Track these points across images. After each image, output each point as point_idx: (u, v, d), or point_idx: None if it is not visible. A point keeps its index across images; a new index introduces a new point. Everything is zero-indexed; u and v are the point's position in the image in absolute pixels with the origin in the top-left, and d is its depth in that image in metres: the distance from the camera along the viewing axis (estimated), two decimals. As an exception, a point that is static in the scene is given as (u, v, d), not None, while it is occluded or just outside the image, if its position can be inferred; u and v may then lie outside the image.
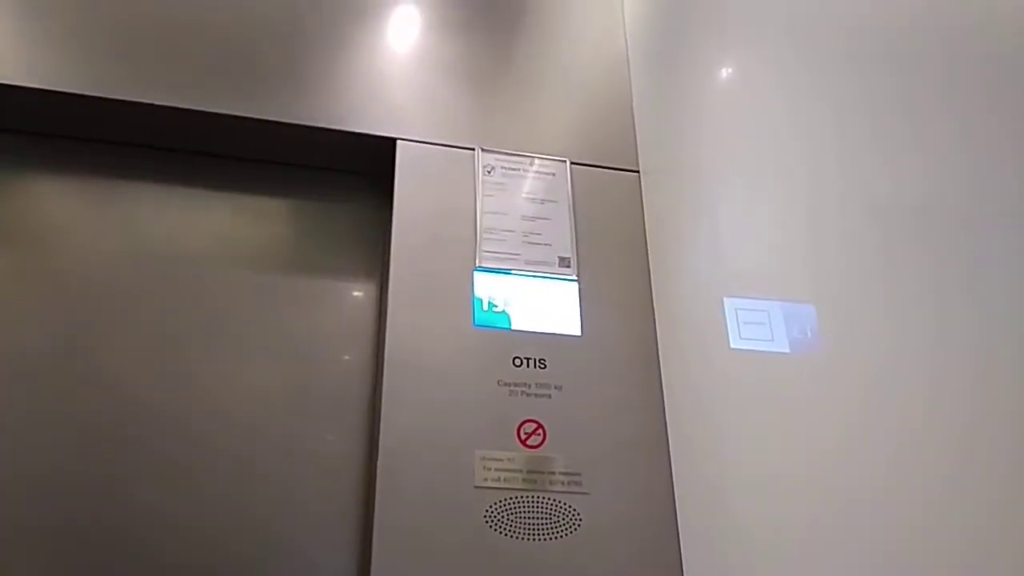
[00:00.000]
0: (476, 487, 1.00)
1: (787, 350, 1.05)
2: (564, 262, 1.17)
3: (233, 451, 1.07)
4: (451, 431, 1.03)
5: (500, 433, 1.04)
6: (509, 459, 1.03)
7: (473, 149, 1.21)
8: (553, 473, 1.03)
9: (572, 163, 1.25)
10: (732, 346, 1.10)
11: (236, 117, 1.15)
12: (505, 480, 1.01)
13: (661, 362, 1.15)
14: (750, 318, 1.12)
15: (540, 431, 1.05)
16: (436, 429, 1.02)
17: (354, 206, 1.25)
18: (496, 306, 1.12)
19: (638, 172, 1.29)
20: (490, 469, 1.02)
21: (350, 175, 1.27)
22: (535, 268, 1.16)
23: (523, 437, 1.04)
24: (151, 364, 1.09)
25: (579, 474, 1.04)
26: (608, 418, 1.09)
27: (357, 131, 1.18)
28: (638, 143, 1.32)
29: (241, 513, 1.04)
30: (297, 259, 1.22)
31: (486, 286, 1.13)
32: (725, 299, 1.14)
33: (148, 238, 1.17)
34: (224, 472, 1.06)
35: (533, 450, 1.04)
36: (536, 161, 1.23)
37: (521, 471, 1.02)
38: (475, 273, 1.13)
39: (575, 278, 1.17)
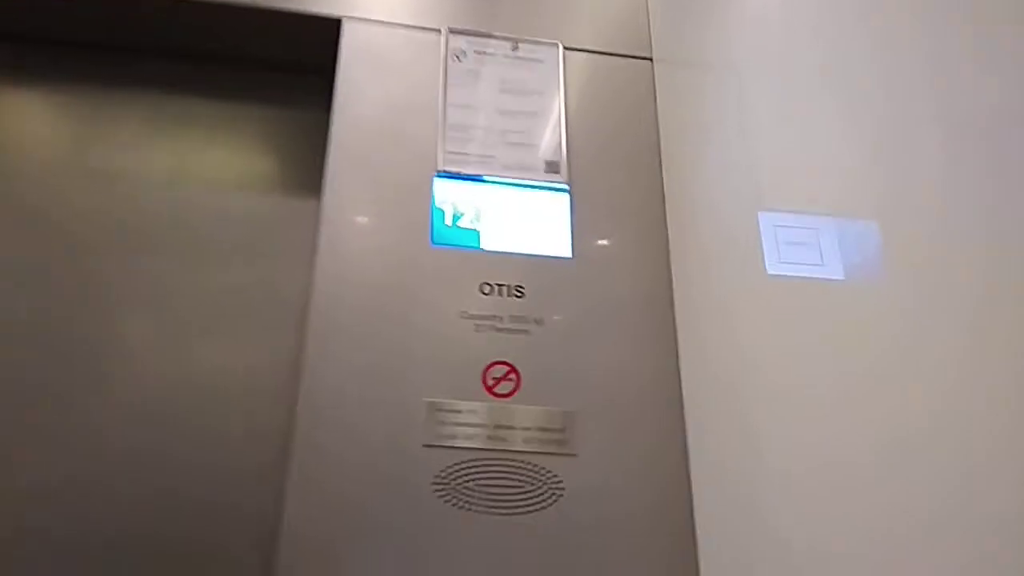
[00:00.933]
0: (425, 446, 0.77)
1: (841, 276, 0.79)
2: (552, 167, 0.93)
3: (153, 379, 0.86)
4: (394, 373, 0.80)
5: (460, 377, 0.81)
6: (470, 410, 0.79)
7: (439, 31, 0.97)
8: (528, 429, 0.80)
9: (566, 48, 1.00)
10: (769, 272, 0.85)
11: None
12: (464, 437, 0.78)
13: (674, 292, 0.90)
14: (793, 237, 0.86)
15: (513, 376, 0.82)
16: (374, 370, 0.79)
17: (293, 110, 1.02)
18: (461, 220, 0.88)
19: (651, 60, 1.03)
20: (444, 423, 0.78)
21: (288, 70, 1.03)
22: (514, 174, 0.91)
23: (490, 383, 0.81)
24: (63, 272, 0.88)
25: (562, 430, 0.80)
26: (603, 362, 0.84)
27: (292, 9, 0.95)
28: (651, 25, 1.05)
29: (152, 459, 0.83)
30: (225, 171, 1.00)
31: (449, 195, 0.89)
32: (761, 214, 0.88)
33: (46, 144, 0.96)
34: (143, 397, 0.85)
35: (502, 399, 0.80)
36: (520, 46, 0.99)
37: (486, 426, 0.79)
38: (435, 179, 0.89)
39: (565, 186, 0.92)
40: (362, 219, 0.85)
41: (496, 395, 0.81)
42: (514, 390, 0.81)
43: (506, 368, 0.82)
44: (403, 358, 0.80)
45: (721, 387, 0.84)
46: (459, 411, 0.79)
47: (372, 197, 0.87)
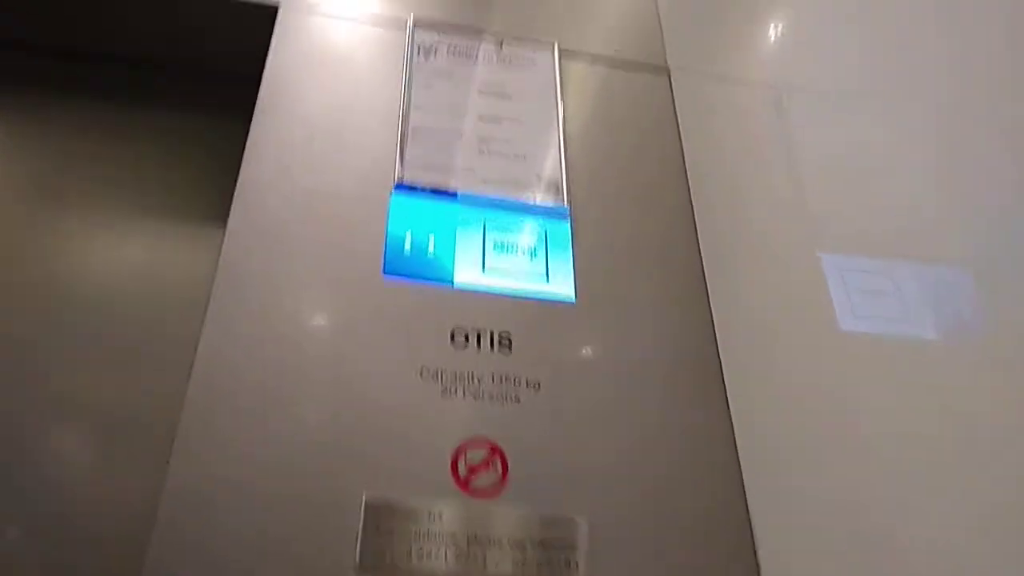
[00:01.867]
0: (361, 569, 0.49)
1: (933, 334, 0.57)
2: (547, 183, 0.70)
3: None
4: (318, 458, 0.53)
5: (418, 464, 0.54)
6: (434, 514, 0.52)
7: (404, 21, 0.76)
8: (519, 545, 0.52)
9: (564, 51, 0.79)
10: (843, 327, 0.62)
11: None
12: (424, 556, 0.51)
13: (720, 349, 0.65)
14: (867, 284, 0.64)
15: (497, 463, 0.55)
16: (286, 453, 0.53)
17: (213, 119, 0.79)
18: (426, 247, 0.64)
19: (666, 68, 0.83)
20: (392, 533, 0.51)
21: (215, 72, 0.81)
22: (499, 190, 0.68)
23: (463, 473, 0.54)
24: None
25: (571, 547, 0.53)
26: (627, 446, 0.58)
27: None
28: (665, 32, 0.86)
29: None
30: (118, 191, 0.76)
31: (410, 215, 0.65)
32: (823, 257, 0.66)
33: None
34: None
35: (482, 498, 0.54)
36: (504, 44, 0.78)
37: (455, 538, 0.52)
38: (392, 195, 0.66)
39: (566, 208, 0.69)
40: (277, 243, 0.61)
41: (472, 491, 0.54)
42: (499, 484, 0.54)
43: (487, 450, 0.55)
44: (333, 436, 0.54)
45: (796, 486, 0.58)
46: (415, 515, 0.52)
47: (297, 216, 0.63)
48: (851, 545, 0.52)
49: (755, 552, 0.55)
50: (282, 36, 0.72)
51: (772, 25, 0.79)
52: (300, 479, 0.52)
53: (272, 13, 0.73)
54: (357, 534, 0.50)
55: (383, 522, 0.51)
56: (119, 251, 0.74)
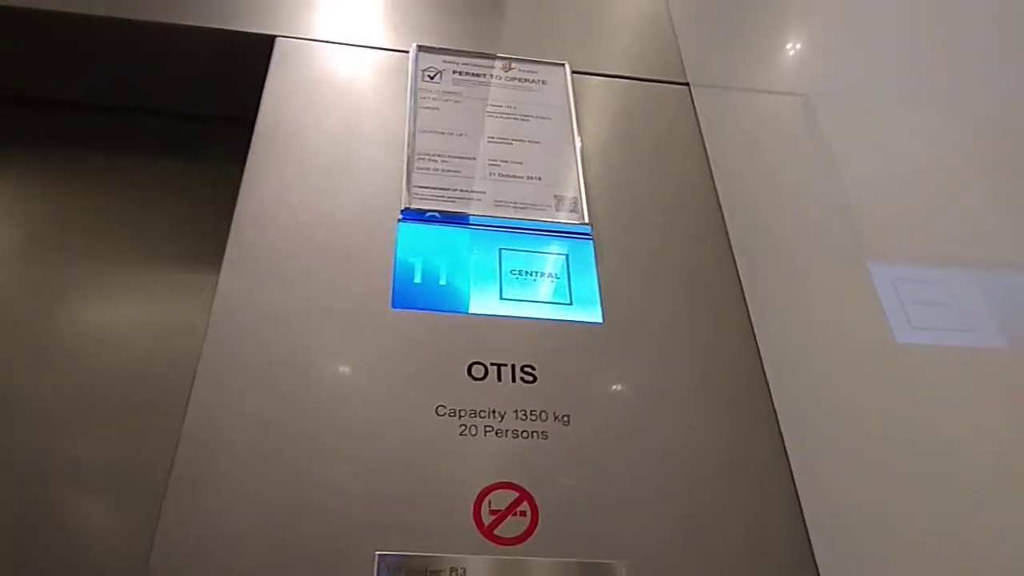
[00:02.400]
0: (376, 636, 0.43)
1: (1003, 344, 0.51)
2: (565, 204, 0.65)
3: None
4: (326, 508, 0.47)
5: (437, 512, 0.48)
6: (456, 568, 0.46)
7: (406, 52, 0.73)
8: (556, 598, 0.46)
9: (575, 72, 0.75)
10: (900, 340, 0.56)
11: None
12: (446, 618, 0.44)
13: (766, 369, 0.59)
14: (923, 295, 0.58)
15: (526, 507, 0.49)
16: (289, 505, 0.47)
17: (214, 165, 0.76)
18: (437, 276, 0.59)
19: (687, 85, 0.78)
20: (410, 593, 0.45)
21: (213, 116, 0.78)
22: (514, 212, 0.63)
23: (488, 521, 0.48)
24: None
25: (614, 598, 0.46)
26: (672, 482, 0.52)
27: (214, 26, 0.71)
28: (682, 48, 0.82)
29: None
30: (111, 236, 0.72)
31: (420, 243, 0.60)
32: (872, 266, 0.60)
33: None
34: None
35: (509, 545, 0.47)
36: (515, 65, 0.74)
37: (482, 596, 0.45)
38: (399, 223, 0.61)
39: (587, 229, 0.64)
40: (276, 279, 0.56)
41: (498, 540, 0.48)
42: (528, 532, 0.48)
43: (514, 495, 0.49)
44: (340, 486, 0.48)
45: (859, 515, 0.51)
46: (436, 571, 0.46)
47: (297, 249, 0.58)
48: (907, 563, 0.45)
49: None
50: (279, 64, 0.69)
51: (792, 33, 0.74)
52: (303, 535, 0.46)
53: (269, 42, 0.70)
54: (370, 596, 0.44)
55: (399, 581, 0.45)
56: (117, 302, 0.70)
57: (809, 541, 0.50)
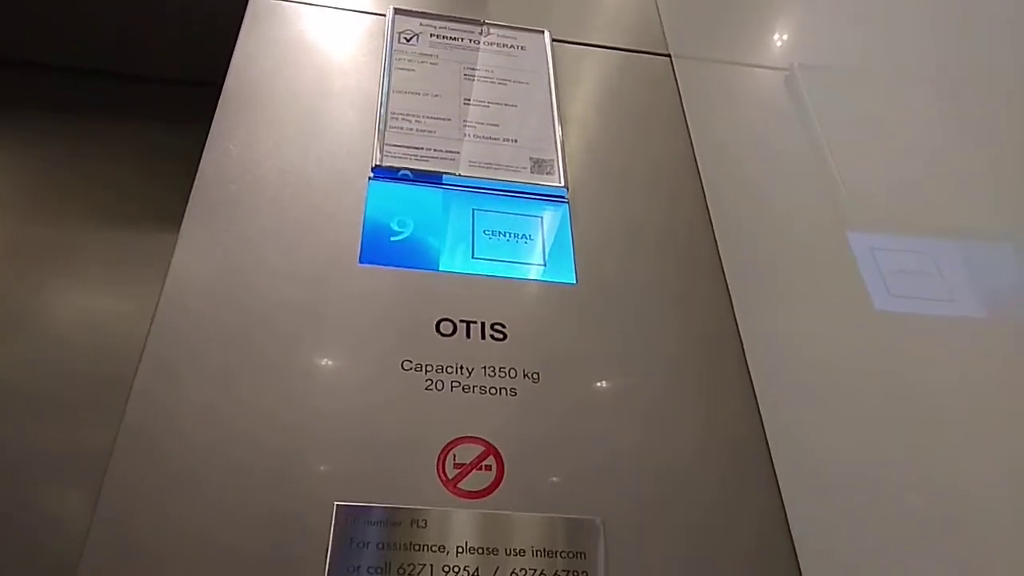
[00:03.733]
0: (331, 588, 0.42)
1: (983, 314, 0.50)
2: (542, 166, 0.63)
3: None
4: (285, 459, 0.46)
5: (400, 465, 0.47)
6: (418, 520, 0.44)
7: (383, 15, 0.72)
8: (521, 554, 0.44)
9: (555, 40, 0.74)
10: (878, 307, 0.55)
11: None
12: (406, 571, 0.43)
13: (741, 331, 0.58)
14: (905, 264, 0.57)
15: (492, 462, 0.48)
16: (247, 455, 0.45)
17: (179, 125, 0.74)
18: (404, 233, 0.57)
19: (668, 56, 0.77)
20: (369, 544, 0.43)
21: (183, 80, 0.76)
22: (489, 173, 0.62)
23: (452, 474, 0.47)
24: None
25: (580, 554, 0.45)
26: (642, 437, 0.51)
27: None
28: (664, 19, 0.81)
29: None
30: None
31: (389, 201, 0.59)
32: (851, 235, 0.59)
33: None
34: None
35: (473, 498, 0.46)
36: (493, 30, 0.73)
37: (445, 549, 0.44)
38: (370, 181, 0.60)
39: (563, 192, 0.62)
40: (240, 234, 0.55)
41: (462, 493, 0.46)
42: (493, 485, 0.47)
43: (480, 449, 0.48)
44: (300, 437, 0.47)
45: (829, 468, 0.50)
46: (396, 522, 0.44)
47: (263, 206, 0.57)
48: (883, 527, 0.44)
49: (791, 538, 0.47)
50: (252, 24, 0.67)
51: (774, 6, 0.74)
52: (261, 486, 0.44)
53: (243, 2, 0.69)
54: (327, 547, 0.43)
55: (356, 532, 0.43)
56: (83, 265, 0.69)
57: (782, 500, 0.49)
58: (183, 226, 0.54)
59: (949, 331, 0.48)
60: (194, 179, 0.57)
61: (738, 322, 0.58)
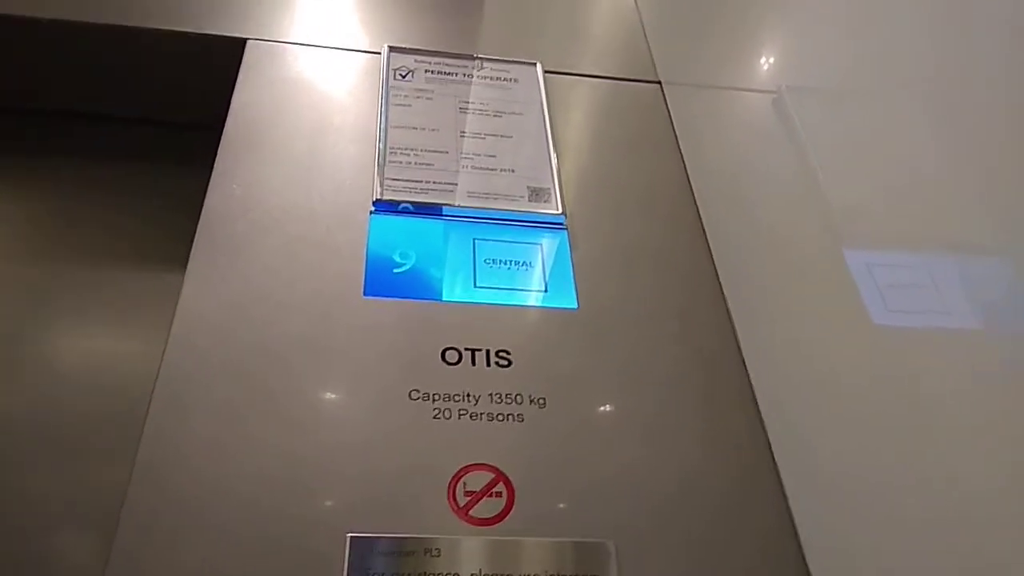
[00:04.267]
0: (346, 620, 0.42)
1: (979, 326, 0.50)
2: (539, 195, 0.65)
3: None
4: (296, 492, 0.46)
5: (411, 495, 0.47)
6: (431, 549, 0.45)
7: (378, 53, 0.73)
8: (533, 579, 0.45)
9: (547, 71, 0.76)
10: (876, 321, 0.56)
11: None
12: (420, 600, 0.43)
13: (743, 351, 0.59)
14: (898, 278, 0.58)
15: (502, 488, 0.48)
16: (260, 489, 0.46)
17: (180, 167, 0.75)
18: (406, 264, 0.58)
19: (659, 83, 0.79)
20: (383, 574, 0.43)
21: (184, 125, 0.78)
22: (488, 203, 0.63)
23: (463, 502, 0.47)
24: None
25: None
26: (649, 459, 0.51)
27: (178, 29, 0.71)
28: (651, 45, 0.83)
29: None
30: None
31: (391, 234, 0.60)
32: (848, 252, 0.60)
33: None
34: None
35: (484, 526, 0.46)
36: (486, 64, 0.74)
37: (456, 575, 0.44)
38: (372, 215, 0.61)
39: (561, 219, 0.64)
40: (245, 272, 0.55)
41: (473, 520, 0.46)
42: (504, 512, 0.47)
43: (490, 476, 0.48)
44: (311, 470, 0.47)
45: (838, 487, 0.50)
46: (409, 552, 0.44)
47: (267, 242, 0.58)
48: (891, 534, 0.44)
49: (801, 549, 0.47)
50: (250, 66, 0.69)
51: (760, 30, 0.75)
52: (275, 520, 0.45)
53: (240, 45, 0.70)
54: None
55: (371, 563, 0.44)
56: (88, 306, 0.69)
57: (790, 512, 0.49)
58: (189, 265, 0.55)
59: (947, 343, 0.49)
60: (198, 219, 0.58)
61: (739, 340, 0.59)
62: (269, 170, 0.62)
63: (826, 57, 0.65)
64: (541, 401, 0.52)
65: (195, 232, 0.57)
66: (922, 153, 0.54)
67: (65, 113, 0.77)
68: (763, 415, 0.54)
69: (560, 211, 0.63)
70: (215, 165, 0.61)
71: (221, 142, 0.63)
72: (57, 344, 0.67)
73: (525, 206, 0.63)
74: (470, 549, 0.45)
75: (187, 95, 0.75)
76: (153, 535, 0.43)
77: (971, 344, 0.46)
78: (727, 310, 0.61)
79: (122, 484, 0.45)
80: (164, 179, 0.76)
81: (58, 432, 0.61)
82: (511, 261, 0.60)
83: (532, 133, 0.69)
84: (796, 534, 0.49)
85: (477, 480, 0.48)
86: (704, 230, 0.66)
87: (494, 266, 0.59)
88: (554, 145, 0.68)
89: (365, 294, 0.56)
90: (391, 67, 0.71)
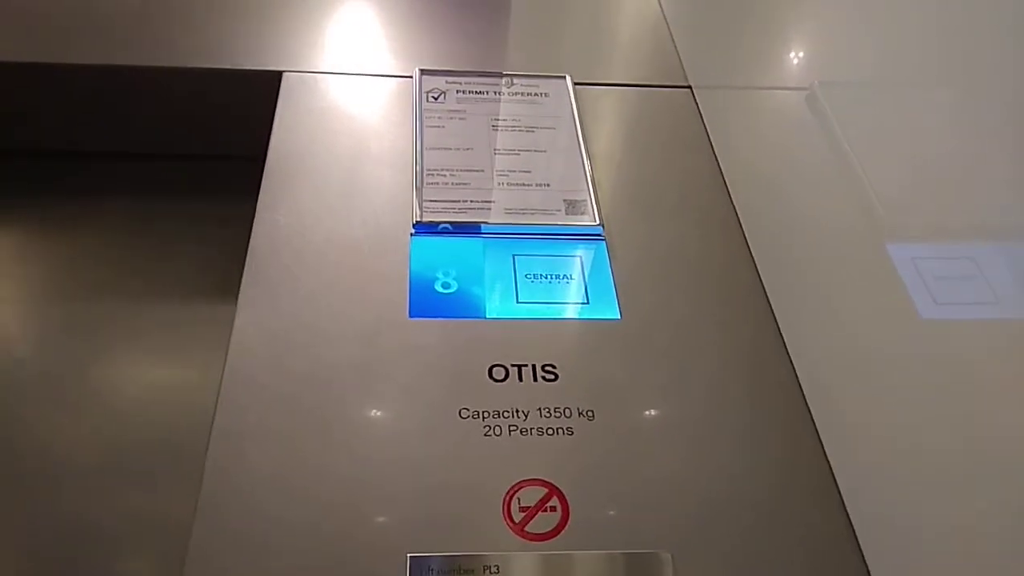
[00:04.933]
0: (411, 639, 0.43)
1: None
2: (575, 207, 0.65)
3: None
4: (353, 516, 0.47)
5: (466, 512, 0.48)
6: (491, 567, 0.45)
7: (410, 77, 0.75)
8: (592, 592, 0.45)
9: (576, 83, 0.76)
10: (923, 316, 0.55)
11: None
12: (482, 617, 0.44)
13: (791, 354, 0.58)
14: (947, 270, 0.57)
15: (556, 503, 0.48)
16: (318, 515, 0.47)
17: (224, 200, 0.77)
18: (453, 285, 0.59)
19: (689, 88, 0.79)
20: (444, 594, 0.44)
21: (220, 154, 0.80)
22: (526, 218, 0.64)
23: (518, 518, 0.48)
24: None
25: (652, 588, 0.45)
26: (701, 467, 0.51)
27: (215, 67, 0.74)
28: (679, 50, 0.83)
29: None
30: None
31: (433, 255, 0.61)
32: (892, 247, 0.60)
33: None
34: None
35: (540, 541, 0.47)
36: (516, 81, 0.75)
37: (517, 592, 0.45)
38: (412, 237, 0.62)
39: (599, 230, 0.64)
40: (292, 301, 0.57)
41: (530, 536, 0.47)
42: (560, 526, 0.47)
43: (543, 491, 0.49)
44: (368, 492, 0.48)
45: (896, 485, 0.49)
46: (469, 570, 0.45)
47: (313, 270, 0.59)
48: (949, 525, 0.44)
49: (860, 550, 0.46)
50: (287, 98, 0.70)
51: (787, 26, 0.75)
52: (334, 543, 0.46)
53: (276, 78, 0.72)
54: (403, 598, 0.44)
55: (432, 582, 0.44)
56: (139, 345, 0.71)
57: (847, 515, 0.49)
58: (240, 297, 0.56)
59: (996, 333, 0.48)
60: (246, 251, 0.60)
61: (785, 341, 0.59)
62: (310, 199, 0.63)
63: (857, 51, 0.65)
64: (589, 413, 0.53)
65: (244, 264, 0.59)
66: (958, 140, 0.53)
67: (110, 155, 0.80)
68: (813, 415, 0.54)
69: (597, 222, 0.64)
70: (259, 197, 0.63)
71: (264, 174, 0.65)
72: (114, 379, 0.69)
73: (562, 219, 0.64)
74: (529, 565, 0.46)
75: (229, 129, 0.77)
76: (218, 573, 0.44)
77: (1020, 333, 0.45)
78: (771, 311, 0.60)
79: (181, 517, 0.46)
80: (211, 213, 0.78)
81: (119, 465, 0.63)
82: (551, 275, 0.61)
83: (565, 146, 0.70)
84: (855, 535, 0.48)
85: (531, 495, 0.48)
86: (743, 232, 0.66)
87: (535, 281, 0.60)
88: (588, 156, 0.69)
89: (410, 316, 0.57)
90: (423, 90, 0.73)
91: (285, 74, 0.73)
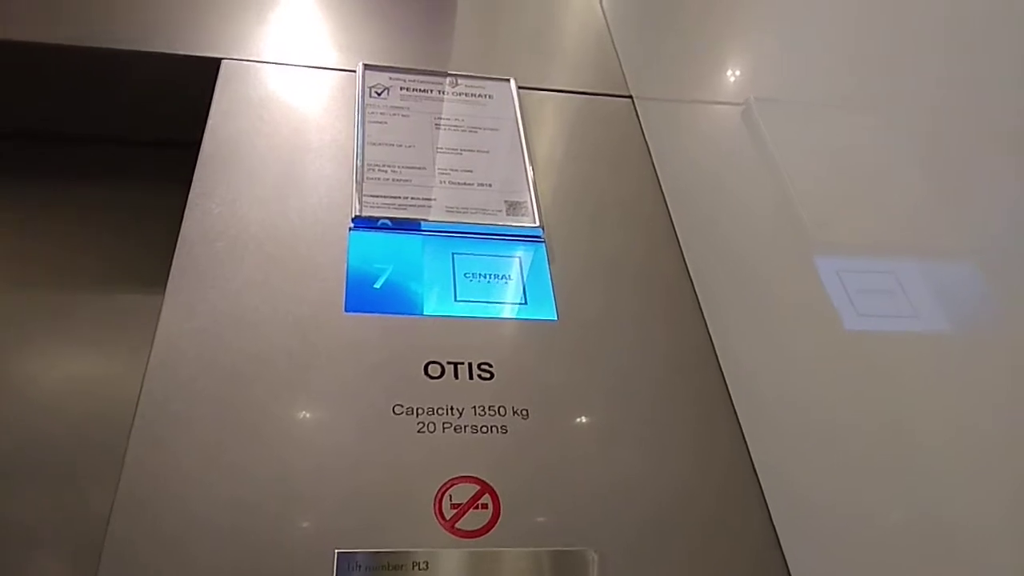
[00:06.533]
0: (336, 635, 0.42)
1: (947, 328, 0.52)
2: (516, 208, 0.65)
3: None
4: (281, 509, 0.46)
5: (397, 508, 0.47)
6: (419, 562, 0.45)
7: (353, 71, 0.74)
8: (521, 589, 0.45)
9: (520, 87, 0.77)
10: (848, 327, 0.57)
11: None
12: (409, 614, 0.43)
13: (720, 359, 0.60)
14: (869, 284, 0.59)
15: (487, 500, 0.48)
16: (245, 507, 0.46)
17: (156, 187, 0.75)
18: (390, 281, 0.59)
19: (630, 98, 0.80)
20: (371, 590, 0.44)
21: (160, 143, 0.78)
22: (466, 217, 0.64)
23: (449, 514, 0.47)
24: None
25: (580, 585, 0.46)
26: (631, 468, 0.52)
27: (152, 50, 0.71)
28: (622, 61, 0.84)
29: None
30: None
31: (371, 250, 0.60)
32: (817, 259, 0.62)
33: None
34: None
35: (470, 538, 0.47)
36: (461, 81, 0.75)
37: (445, 589, 0.44)
38: (351, 231, 0.61)
39: (539, 231, 0.64)
40: (225, 290, 0.56)
41: (460, 533, 0.47)
42: (490, 523, 0.47)
43: (475, 488, 0.49)
44: (296, 487, 0.47)
45: (817, 493, 0.51)
46: (398, 565, 0.45)
47: (247, 261, 0.58)
48: (869, 541, 0.45)
49: (784, 559, 0.48)
50: (225, 86, 0.69)
51: (726, 44, 0.77)
52: (260, 539, 0.45)
53: (215, 65, 0.70)
54: (330, 595, 0.43)
55: (360, 578, 0.44)
56: (65, 330, 0.69)
57: (772, 521, 0.50)
58: (168, 287, 0.55)
59: (914, 345, 0.50)
60: (176, 239, 0.58)
61: (716, 349, 0.60)
62: (246, 189, 0.62)
63: (793, 68, 0.67)
64: (524, 412, 0.53)
65: (174, 252, 0.57)
66: (887, 160, 0.55)
67: (39, 134, 0.77)
68: (742, 424, 0.55)
69: (537, 224, 0.64)
70: (192, 184, 0.61)
71: (198, 161, 0.63)
72: (35, 369, 0.66)
73: (502, 219, 0.64)
74: (458, 562, 0.45)
75: (163, 114, 0.75)
76: (136, 570, 0.43)
77: (937, 346, 0.47)
78: (702, 317, 0.62)
79: (101, 511, 0.45)
80: (141, 198, 0.76)
81: (38, 458, 0.61)
82: (490, 274, 0.61)
83: (507, 148, 0.70)
84: (775, 530, 0.49)
85: (463, 492, 0.48)
86: (678, 240, 0.68)
87: (473, 280, 0.60)
88: (530, 159, 0.69)
89: (346, 310, 0.56)
90: (366, 85, 0.72)
91: (224, 61, 0.71)
